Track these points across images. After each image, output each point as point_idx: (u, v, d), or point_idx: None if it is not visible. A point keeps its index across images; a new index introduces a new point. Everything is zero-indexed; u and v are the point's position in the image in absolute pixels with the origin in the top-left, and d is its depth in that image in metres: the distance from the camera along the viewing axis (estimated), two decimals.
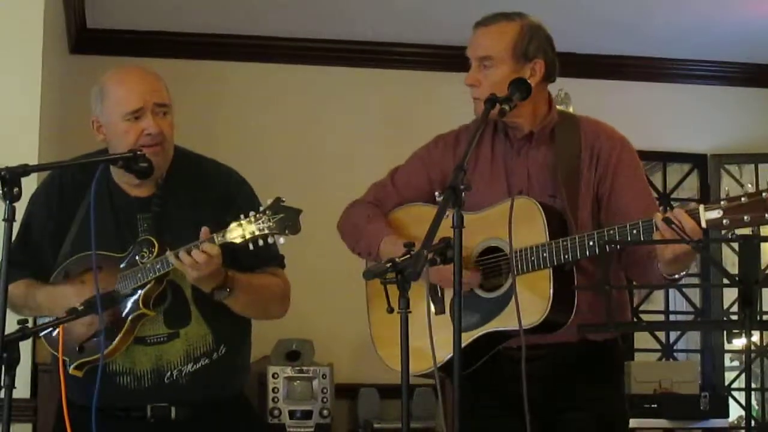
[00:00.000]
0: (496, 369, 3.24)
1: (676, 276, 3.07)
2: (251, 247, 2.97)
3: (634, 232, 2.97)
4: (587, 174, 3.30)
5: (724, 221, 2.82)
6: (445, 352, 2.94)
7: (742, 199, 2.80)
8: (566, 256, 3.06)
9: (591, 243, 3.02)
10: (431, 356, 2.87)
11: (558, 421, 3.24)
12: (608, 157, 3.32)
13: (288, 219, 2.93)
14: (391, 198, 3.52)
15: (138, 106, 3.19)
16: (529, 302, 3.08)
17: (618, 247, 3.02)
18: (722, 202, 2.83)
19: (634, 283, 3.59)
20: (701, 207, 2.86)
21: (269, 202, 2.95)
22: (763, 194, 2.79)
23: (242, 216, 2.97)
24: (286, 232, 2.93)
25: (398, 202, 3.50)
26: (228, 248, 3.03)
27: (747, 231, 2.86)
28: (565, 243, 3.07)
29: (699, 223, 2.84)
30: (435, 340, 2.82)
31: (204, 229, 3.01)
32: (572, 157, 3.32)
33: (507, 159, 3.37)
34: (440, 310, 3.24)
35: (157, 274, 3.11)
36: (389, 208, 3.51)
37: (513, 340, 3.13)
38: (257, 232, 2.94)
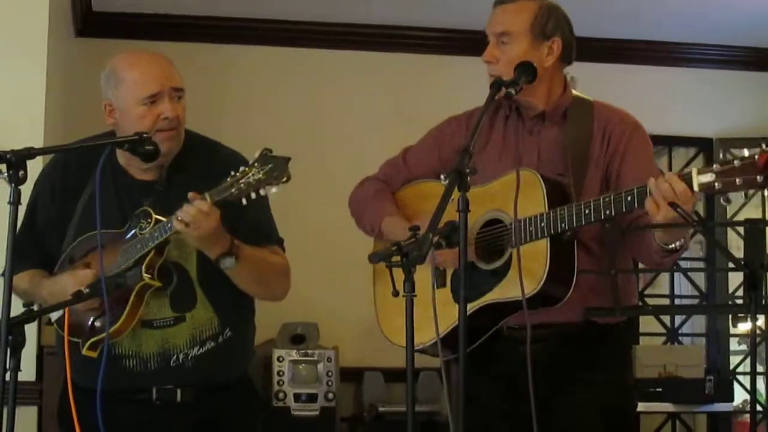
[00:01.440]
0: (498, 350, 3.23)
1: (671, 246, 3.02)
2: (245, 201, 2.95)
3: (629, 198, 2.94)
4: (597, 155, 3.28)
5: (716, 185, 2.79)
6: (446, 325, 2.97)
7: (735, 162, 2.77)
8: (563, 225, 3.03)
9: (587, 211, 3.00)
10: (433, 329, 2.90)
11: (559, 403, 3.21)
12: (619, 139, 3.30)
13: (276, 168, 2.92)
14: (401, 175, 3.53)
15: (156, 91, 3.19)
16: (527, 271, 3.07)
17: (613, 214, 2.99)
18: (715, 166, 2.81)
19: (640, 266, 3.57)
20: (694, 170, 2.83)
21: (257, 154, 2.95)
22: (756, 156, 2.75)
23: (232, 173, 2.96)
24: (277, 181, 2.92)
25: (408, 180, 3.51)
26: (228, 216, 3.05)
27: (753, 214, 2.85)
28: (562, 212, 3.04)
29: (691, 186, 2.82)
30: (437, 312, 2.87)
31: (190, 193, 3.02)
32: (583, 138, 3.31)
33: (518, 137, 3.35)
34: (440, 284, 3.24)
35: (157, 241, 3.10)
36: (398, 185, 3.52)
37: (516, 318, 3.13)
38: (249, 184, 2.93)
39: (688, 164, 7.53)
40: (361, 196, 3.53)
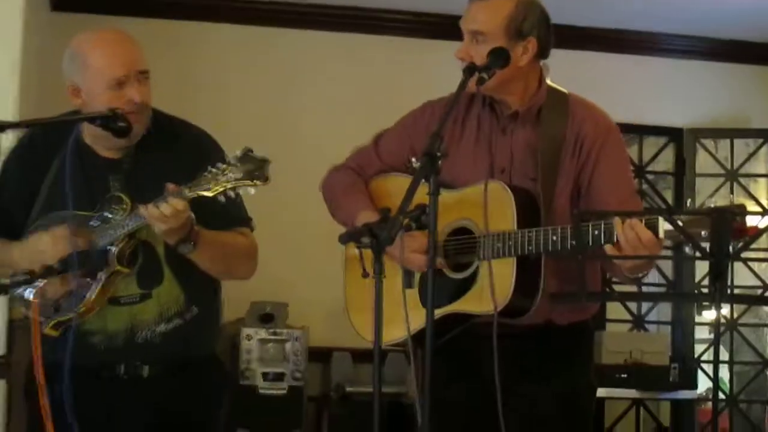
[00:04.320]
0: (464, 342, 3.23)
1: (639, 275, 3.08)
2: (222, 199, 2.95)
3: (596, 233, 2.94)
4: (569, 161, 3.26)
5: (681, 234, 2.82)
6: (413, 326, 2.96)
7: (703, 211, 2.83)
8: (530, 248, 3.04)
9: (554, 238, 3.00)
10: (402, 327, 2.91)
11: (525, 397, 3.24)
12: (592, 145, 3.26)
13: (256, 168, 2.92)
14: (373, 165, 3.50)
15: (122, 74, 3.17)
16: (497, 285, 3.06)
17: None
18: (683, 217, 2.84)
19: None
20: (661, 219, 2.85)
21: (237, 153, 2.94)
22: (725, 212, 2.79)
23: (210, 168, 2.95)
24: (256, 181, 2.92)
25: (380, 169, 3.48)
26: (198, 205, 3.02)
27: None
28: (530, 234, 3.04)
29: (656, 233, 2.84)
30: (407, 311, 2.88)
31: (169, 184, 3.00)
32: (556, 141, 3.26)
33: (492, 136, 3.30)
34: (408, 284, 3.23)
35: (128, 229, 3.11)
36: (371, 174, 3.49)
37: (484, 318, 3.13)
38: (227, 182, 2.93)
39: (659, 153, 7.56)
40: (335, 188, 3.51)
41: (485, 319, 3.04)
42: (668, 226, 2.83)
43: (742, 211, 2.81)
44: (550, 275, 3.14)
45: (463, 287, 3.20)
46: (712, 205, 2.85)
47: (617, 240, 2.88)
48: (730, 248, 2.89)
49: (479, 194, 3.10)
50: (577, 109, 3.32)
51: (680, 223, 2.83)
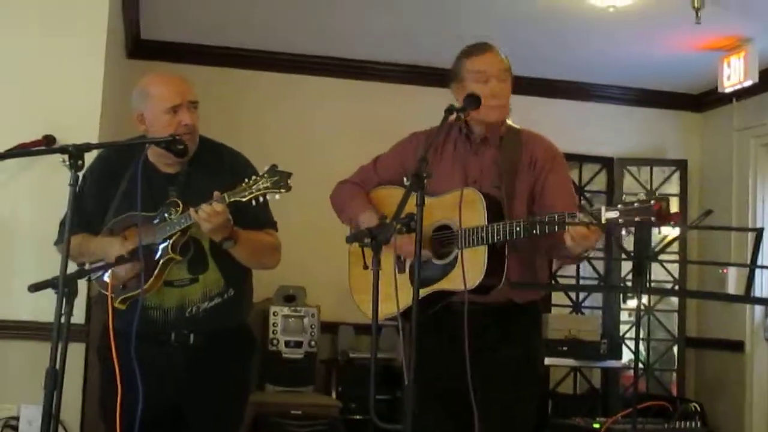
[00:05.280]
0: (445, 317, 3.23)
1: (585, 254, 3.08)
2: (254, 203, 2.97)
3: (548, 225, 2.97)
4: (525, 174, 3.32)
5: (620, 220, 2.81)
6: (405, 302, 2.95)
7: (635, 204, 2.79)
8: (499, 237, 3.06)
9: (518, 228, 3.02)
10: (392, 304, 2.91)
11: (490, 357, 3.24)
12: (543, 164, 3.33)
13: (281, 180, 2.95)
14: (372, 180, 3.52)
15: (177, 102, 3.20)
16: (469, 270, 3.08)
17: (538, 232, 3.01)
18: (619, 206, 2.83)
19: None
20: (603, 208, 2.85)
21: (266, 168, 2.97)
22: (650, 203, 2.78)
23: (246, 180, 2.99)
24: (281, 189, 2.95)
25: (378, 183, 3.50)
26: (236, 207, 3.03)
27: None
28: (498, 227, 3.07)
29: (600, 220, 2.84)
30: (398, 292, 2.87)
31: (215, 192, 3.02)
32: (514, 160, 3.33)
33: (466, 156, 3.37)
34: (401, 270, 3.27)
35: (182, 226, 3.12)
36: (370, 187, 3.51)
37: (459, 296, 3.14)
38: (258, 191, 2.96)
39: (594, 176, 7.54)
40: (342, 195, 3.53)
41: (461, 297, 3.04)
42: (609, 215, 2.83)
43: (667, 200, 2.82)
44: (512, 264, 3.16)
45: (445, 270, 3.21)
46: (641, 197, 2.85)
47: (568, 230, 2.90)
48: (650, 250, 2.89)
49: (457, 198, 3.11)
50: (529, 138, 3.40)
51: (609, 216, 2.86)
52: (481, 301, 3.15)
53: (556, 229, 2.95)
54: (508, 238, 3.05)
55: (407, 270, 3.29)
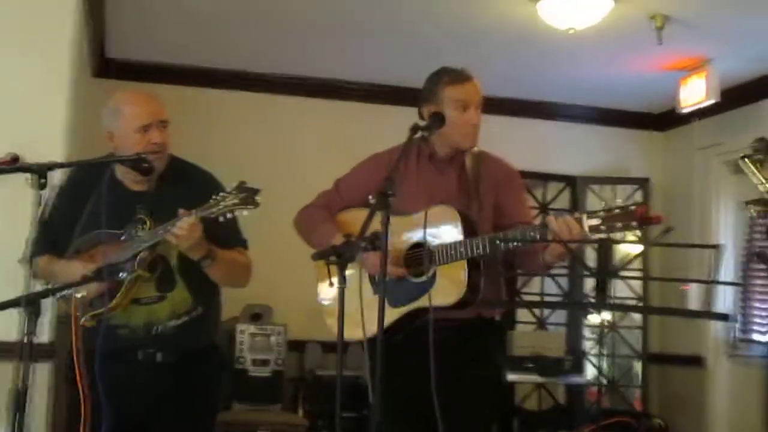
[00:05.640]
0: (420, 335, 3.21)
1: (554, 265, 3.12)
2: (221, 219, 2.95)
3: (531, 233, 3.01)
4: (488, 194, 3.35)
5: (602, 227, 2.84)
6: (375, 326, 2.94)
7: (616, 210, 2.83)
8: (478, 251, 3.06)
9: (498, 241, 3.04)
10: (367, 328, 2.89)
11: (465, 374, 3.26)
12: (501, 181, 3.41)
13: (249, 196, 2.93)
14: (337, 203, 3.52)
15: (148, 122, 3.20)
16: (449, 286, 3.10)
17: (521, 244, 3.06)
18: (601, 212, 2.86)
19: (520, 270, 3.63)
20: (584, 216, 2.89)
21: (234, 184, 2.96)
22: (631, 207, 2.81)
23: (213, 196, 2.97)
24: (249, 206, 2.93)
25: (342, 207, 3.50)
26: (207, 226, 3.02)
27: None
28: (478, 241, 3.07)
29: (582, 227, 2.88)
30: (372, 311, 2.81)
31: (180, 210, 3.02)
32: (477, 180, 3.37)
33: (430, 176, 3.39)
34: (374, 291, 3.22)
35: (150, 243, 3.10)
36: (335, 210, 3.51)
37: (436, 313, 3.13)
38: (226, 207, 2.94)
39: (558, 194, 7.58)
40: (310, 220, 3.52)
41: (438, 314, 3.06)
42: (591, 222, 2.86)
43: (645, 205, 2.87)
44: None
45: (423, 289, 3.19)
46: (619, 204, 2.89)
47: (552, 230, 2.94)
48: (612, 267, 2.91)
49: (429, 215, 3.16)
50: (488, 159, 3.46)
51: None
52: (454, 317, 3.16)
53: (538, 238, 2.99)
54: (489, 251, 3.06)
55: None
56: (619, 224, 2.82)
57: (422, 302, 3.18)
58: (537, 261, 3.17)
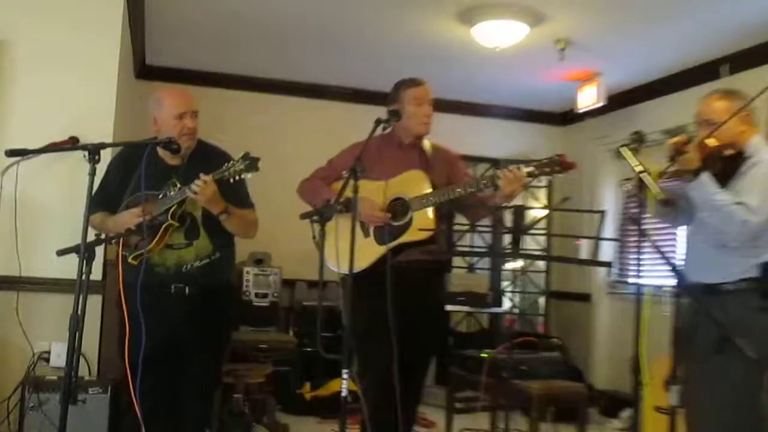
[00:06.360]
0: (399, 271, 3.13)
1: (502, 204, 3.16)
2: (231, 180, 2.98)
3: (484, 183, 3.12)
4: (441, 169, 3.43)
5: (535, 172, 3.00)
6: (371, 259, 3.11)
7: (544, 160, 2.98)
8: (444, 198, 3.16)
9: (459, 190, 3.15)
10: (361, 261, 3.01)
11: (418, 304, 3.29)
12: (451, 161, 3.50)
13: (252, 163, 2.96)
14: (330, 176, 3.54)
15: (184, 110, 3.19)
16: (423, 223, 3.20)
17: (475, 191, 3.16)
18: (534, 162, 3.02)
19: (464, 222, 3.62)
20: (523, 166, 3.05)
21: (241, 154, 3.00)
22: (555, 157, 2.97)
23: (226, 164, 3.00)
24: (251, 171, 2.96)
25: (335, 179, 3.51)
26: (224, 188, 3.04)
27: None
28: (443, 192, 3.17)
29: (523, 173, 3.04)
30: (364, 250, 2.97)
31: (201, 174, 3.05)
32: (431, 157, 3.46)
33: (399, 156, 3.45)
34: (366, 234, 3.31)
35: (178, 199, 3.11)
36: (330, 182, 3.52)
37: (405, 255, 3.20)
38: (235, 171, 2.97)
39: (484, 173, 7.55)
40: (313, 188, 3.52)
41: (409, 256, 3.17)
42: (528, 170, 3.03)
43: (564, 155, 2.96)
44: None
45: (403, 229, 3.25)
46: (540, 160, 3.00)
47: (501, 176, 3.06)
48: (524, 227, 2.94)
49: (404, 178, 3.28)
50: (440, 147, 3.54)
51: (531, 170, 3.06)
52: (418, 260, 3.23)
53: (489, 185, 3.09)
54: (450, 197, 3.14)
55: (371, 233, 3.33)
56: (548, 170, 2.90)
57: (404, 239, 3.23)
58: (481, 211, 3.26)
